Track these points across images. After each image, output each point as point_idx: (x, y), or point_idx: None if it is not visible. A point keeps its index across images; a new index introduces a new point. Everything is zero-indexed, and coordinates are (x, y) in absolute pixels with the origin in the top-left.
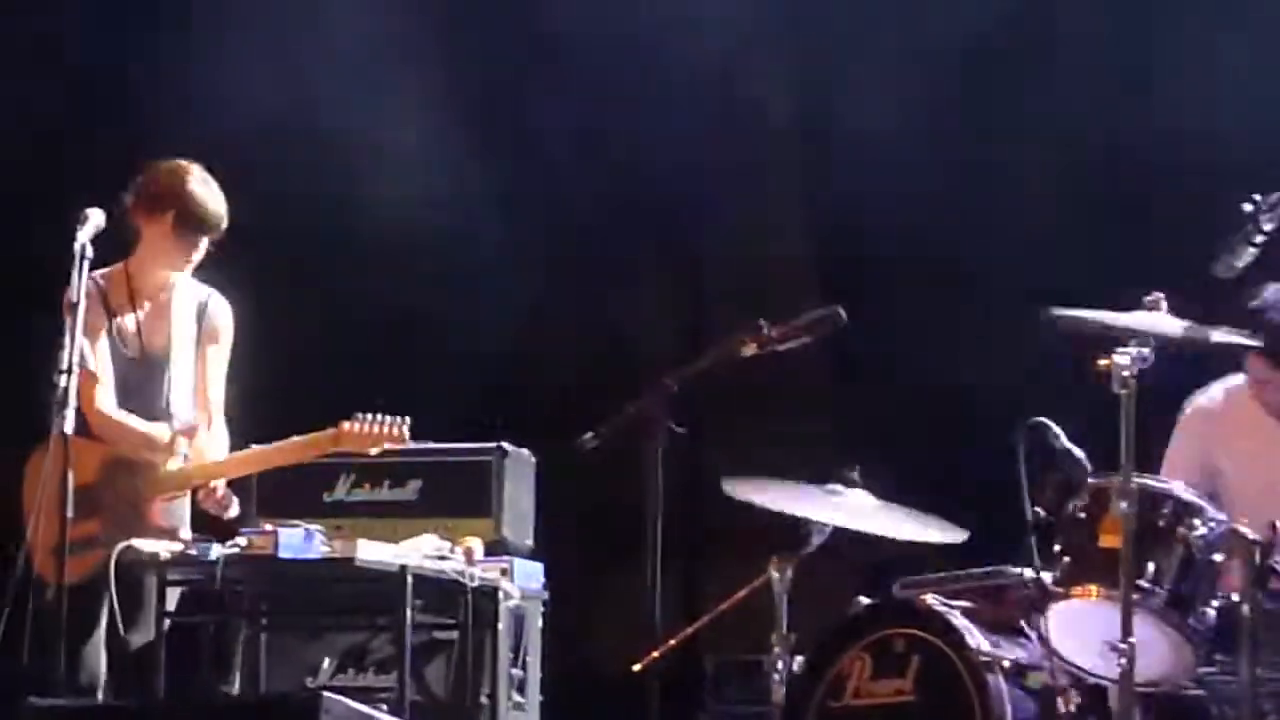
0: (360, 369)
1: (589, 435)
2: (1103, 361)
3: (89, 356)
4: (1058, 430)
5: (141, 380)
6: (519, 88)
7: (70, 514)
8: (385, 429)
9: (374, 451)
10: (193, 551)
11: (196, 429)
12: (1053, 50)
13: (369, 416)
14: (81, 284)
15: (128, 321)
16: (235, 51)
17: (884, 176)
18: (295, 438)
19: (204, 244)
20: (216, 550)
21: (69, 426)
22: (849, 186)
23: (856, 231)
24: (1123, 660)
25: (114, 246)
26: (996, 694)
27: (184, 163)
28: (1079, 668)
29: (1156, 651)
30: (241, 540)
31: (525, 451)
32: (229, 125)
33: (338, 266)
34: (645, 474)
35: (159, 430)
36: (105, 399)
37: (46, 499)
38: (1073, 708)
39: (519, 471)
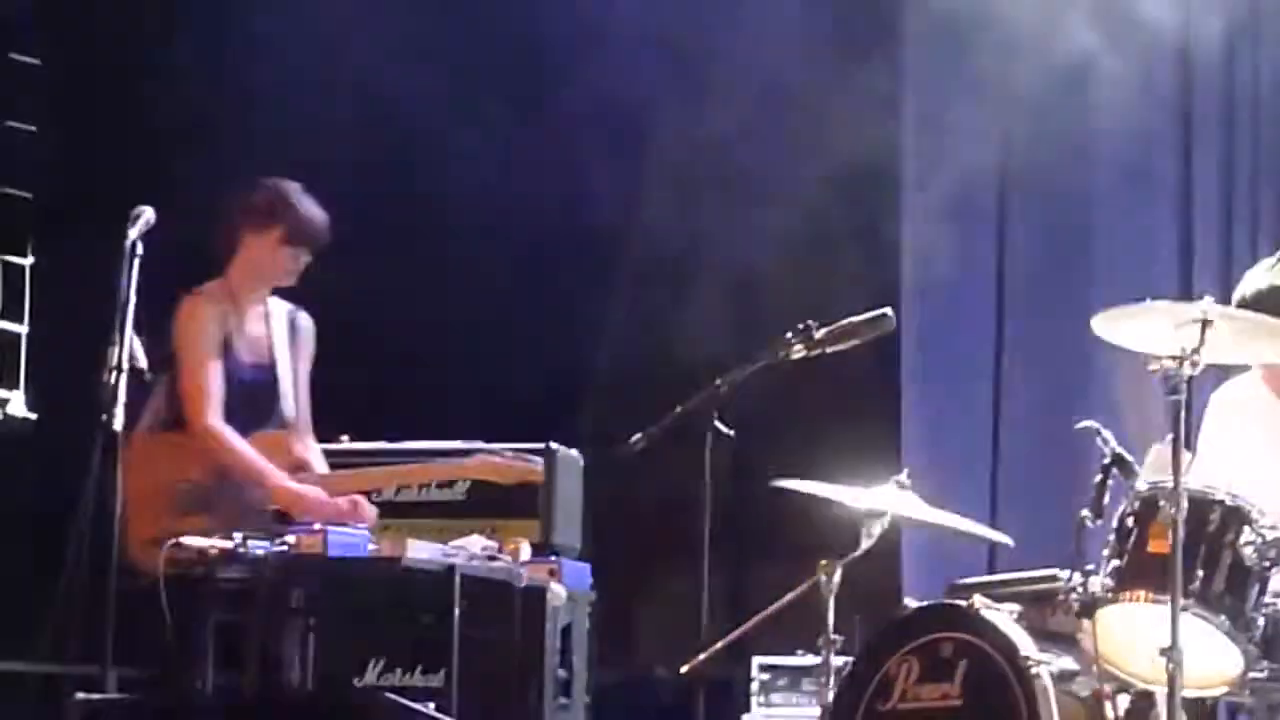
0: (405, 367)
1: (638, 437)
2: (1153, 366)
3: (207, 371)
4: (1108, 434)
5: (252, 390)
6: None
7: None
8: (522, 464)
9: (505, 483)
10: (242, 549)
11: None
12: None
13: (506, 450)
14: (131, 281)
15: (238, 332)
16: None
17: None
18: (431, 463)
19: (305, 259)
20: (265, 548)
21: (119, 425)
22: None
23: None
24: (1171, 666)
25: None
26: (1044, 699)
27: (286, 181)
28: (1127, 673)
29: (1205, 657)
30: (290, 538)
31: (574, 452)
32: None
33: (380, 261)
34: (694, 476)
35: (274, 472)
36: (215, 416)
37: (146, 494)
38: (1121, 713)
39: (568, 472)
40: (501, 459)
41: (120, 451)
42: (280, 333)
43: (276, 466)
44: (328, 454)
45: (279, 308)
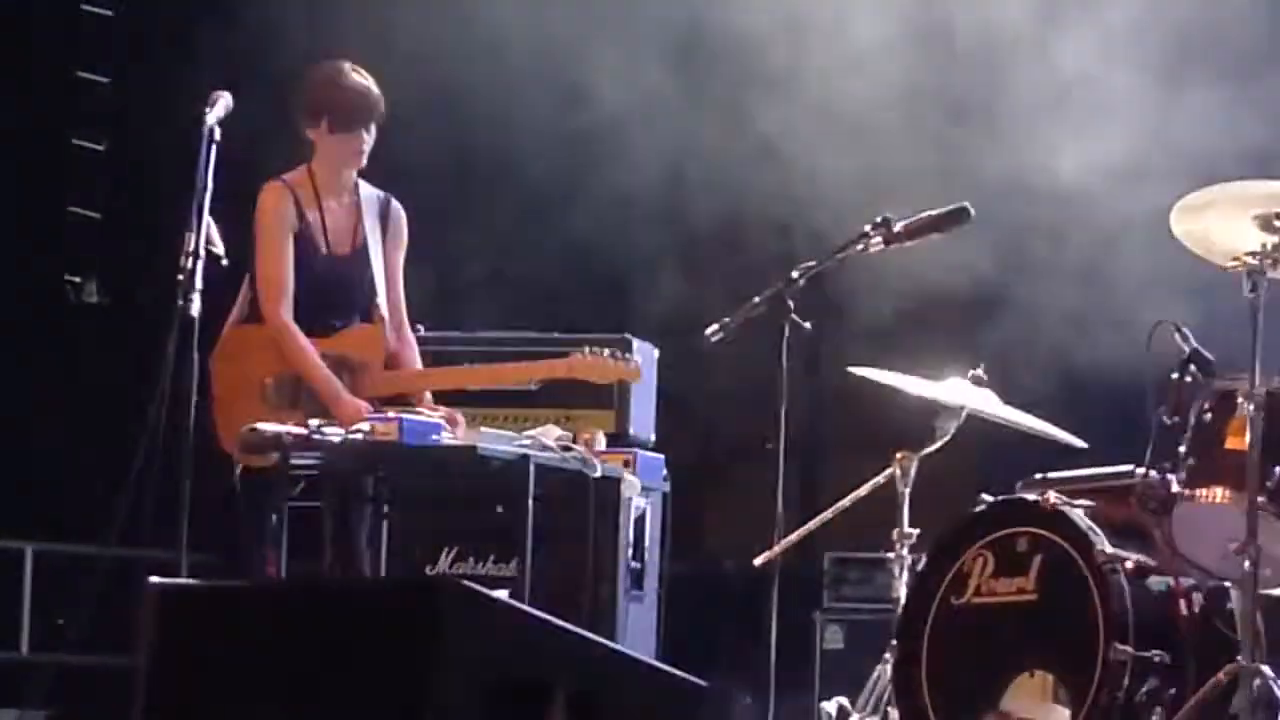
0: (482, 259)
1: (714, 328)
2: (1232, 262)
3: (279, 263)
4: (1186, 331)
5: (340, 281)
6: None
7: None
8: (617, 362)
9: (601, 382)
10: (317, 435)
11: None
12: None
13: (601, 350)
14: (209, 166)
15: (321, 221)
16: None
17: None
18: (527, 362)
19: (366, 136)
20: (339, 434)
21: (195, 310)
22: None
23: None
24: (1247, 563)
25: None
26: (1119, 594)
27: (329, 63)
28: (1203, 569)
29: None
30: (365, 425)
31: (648, 344)
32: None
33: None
34: (769, 368)
35: (332, 382)
36: (286, 310)
37: (238, 387)
38: (1195, 609)
39: (643, 363)
40: (598, 357)
41: (213, 342)
42: (372, 223)
43: (369, 360)
44: None
45: (370, 195)
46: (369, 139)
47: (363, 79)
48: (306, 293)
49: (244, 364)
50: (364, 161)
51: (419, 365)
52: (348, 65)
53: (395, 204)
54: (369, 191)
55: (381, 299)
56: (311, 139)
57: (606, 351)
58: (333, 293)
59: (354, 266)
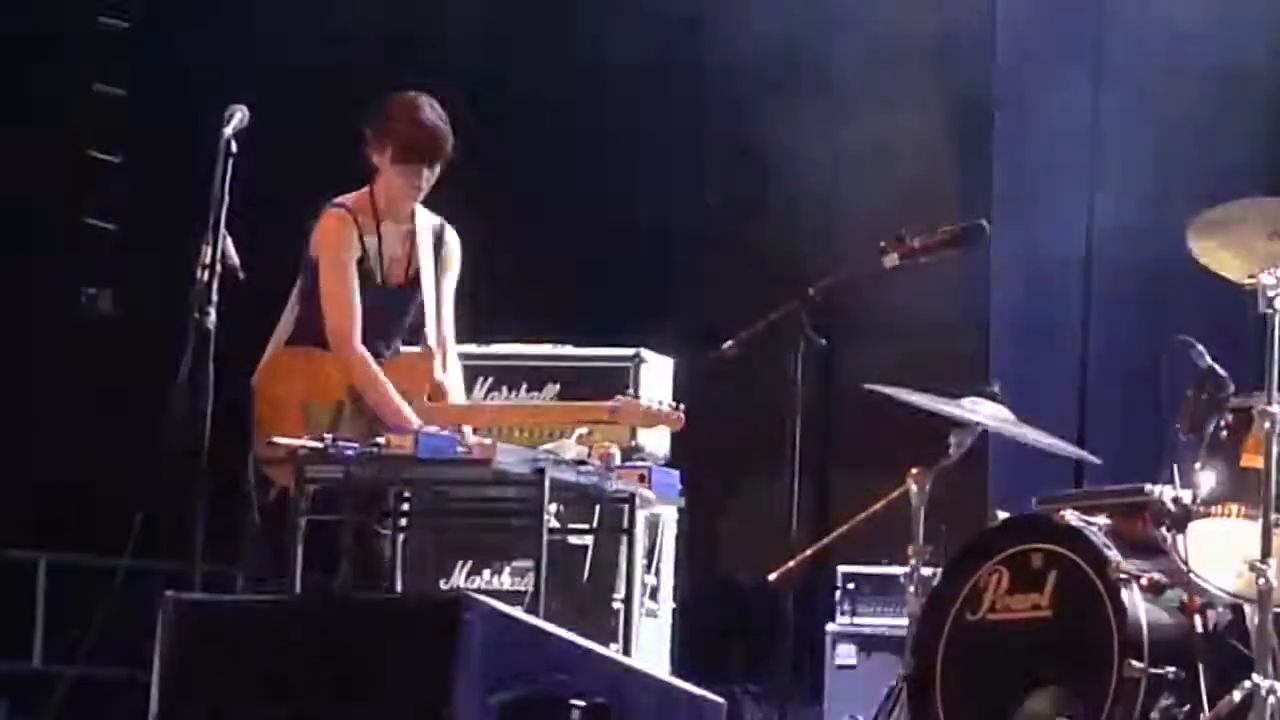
0: (502, 274)
1: (729, 343)
2: (1249, 280)
3: (349, 292)
4: (1201, 348)
5: (392, 310)
6: None
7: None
8: (661, 409)
9: (648, 428)
10: (332, 449)
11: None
12: None
13: (649, 396)
14: (225, 179)
15: (378, 249)
16: None
17: None
18: (570, 403)
19: (427, 174)
20: (354, 448)
21: (211, 324)
22: None
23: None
24: (1262, 580)
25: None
26: (1133, 611)
27: (409, 94)
28: (1217, 586)
29: None
30: (380, 439)
31: (664, 357)
32: None
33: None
34: (784, 383)
35: (406, 411)
36: (358, 340)
37: (280, 408)
38: (1210, 626)
39: (657, 377)
40: (640, 403)
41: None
42: (426, 251)
43: (415, 391)
44: None
45: (425, 222)
46: (431, 176)
47: (439, 118)
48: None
49: (290, 386)
50: (420, 197)
51: (463, 396)
52: (427, 100)
53: (450, 231)
54: (425, 219)
55: (431, 328)
56: (375, 163)
57: (647, 397)
58: (385, 322)
59: (407, 296)
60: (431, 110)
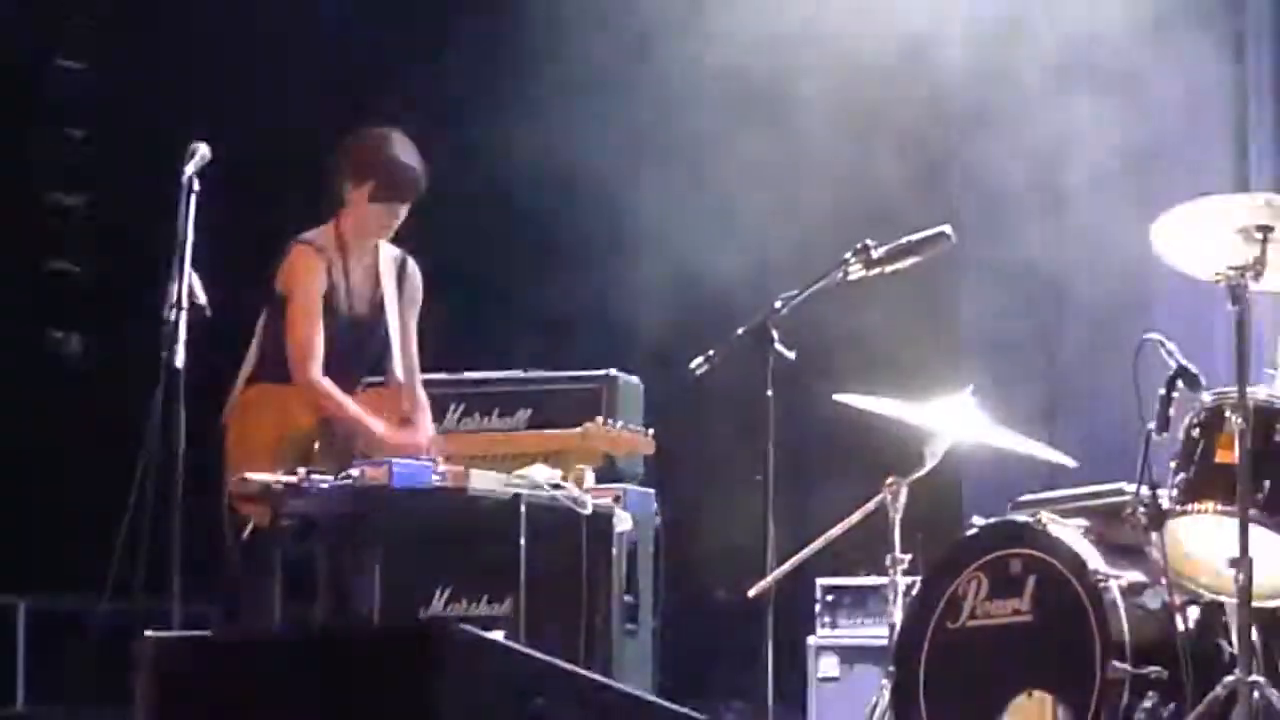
0: (469, 294)
1: (698, 361)
2: (1216, 275)
3: (312, 325)
4: (1172, 347)
5: (357, 343)
6: None
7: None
8: (631, 435)
9: (615, 453)
10: (306, 483)
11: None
12: None
13: (615, 421)
14: (189, 217)
15: (344, 282)
16: None
17: None
18: (539, 430)
19: (402, 210)
20: (329, 481)
21: (180, 361)
22: None
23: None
24: (1240, 576)
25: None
26: (1114, 612)
27: (383, 130)
28: (1196, 585)
29: (1274, 567)
30: (354, 471)
31: (634, 378)
32: None
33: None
34: (755, 398)
35: (375, 423)
36: (317, 370)
37: (252, 443)
38: (1191, 625)
39: (629, 398)
40: (609, 428)
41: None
42: (389, 284)
43: (384, 421)
44: None
45: (388, 255)
46: (403, 214)
47: (416, 156)
48: (325, 353)
49: (258, 422)
50: (391, 234)
51: (431, 427)
52: (400, 135)
53: (411, 263)
54: (387, 251)
55: (396, 360)
56: (348, 199)
57: (619, 423)
58: (350, 354)
59: (371, 328)
60: (409, 147)
